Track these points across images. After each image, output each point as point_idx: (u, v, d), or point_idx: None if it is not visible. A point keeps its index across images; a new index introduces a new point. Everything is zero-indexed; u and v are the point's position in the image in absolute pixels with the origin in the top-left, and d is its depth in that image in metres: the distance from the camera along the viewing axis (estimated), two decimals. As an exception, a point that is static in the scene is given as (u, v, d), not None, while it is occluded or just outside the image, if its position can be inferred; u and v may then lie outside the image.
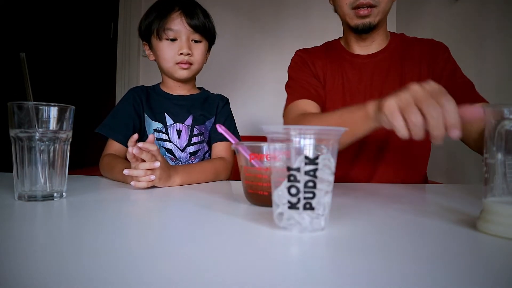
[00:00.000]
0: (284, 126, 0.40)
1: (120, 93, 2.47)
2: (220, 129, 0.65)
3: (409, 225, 0.46)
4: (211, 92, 1.10)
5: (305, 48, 1.07)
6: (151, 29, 0.94)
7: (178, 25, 0.92)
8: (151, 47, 0.99)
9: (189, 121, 1.00)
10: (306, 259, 0.34)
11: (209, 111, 1.03)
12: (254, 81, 2.39)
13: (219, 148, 0.99)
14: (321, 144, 0.40)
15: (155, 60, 1.00)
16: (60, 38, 1.91)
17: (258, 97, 2.38)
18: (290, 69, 1.05)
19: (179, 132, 0.98)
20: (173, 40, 0.93)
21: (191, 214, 0.53)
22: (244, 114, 2.35)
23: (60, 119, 0.56)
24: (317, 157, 0.39)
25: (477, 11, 1.50)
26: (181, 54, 0.93)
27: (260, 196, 0.55)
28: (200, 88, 1.09)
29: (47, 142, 0.55)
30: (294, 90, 0.99)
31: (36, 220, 0.46)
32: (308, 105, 0.94)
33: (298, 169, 0.39)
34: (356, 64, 0.98)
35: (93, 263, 0.30)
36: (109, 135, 0.94)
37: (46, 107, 0.55)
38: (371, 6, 0.86)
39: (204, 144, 1.01)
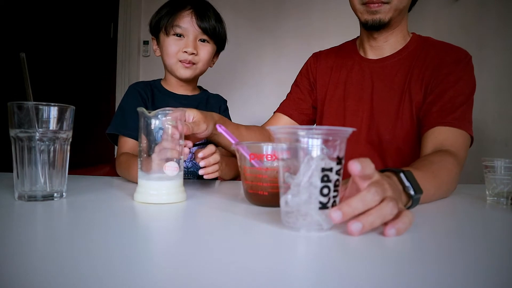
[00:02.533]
0: (291, 126, 0.41)
1: (120, 93, 2.47)
2: (220, 129, 0.65)
3: (413, 225, 0.46)
4: (210, 91, 1.09)
5: (319, 52, 1.09)
6: (160, 24, 0.93)
7: (187, 23, 0.91)
8: (158, 43, 0.98)
9: None
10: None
11: (212, 112, 1.02)
12: (254, 81, 2.39)
13: None
14: (325, 144, 0.40)
15: (160, 56, 0.98)
16: (60, 38, 1.91)
17: (258, 97, 2.38)
18: (298, 73, 1.10)
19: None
20: (180, 37, 0.92)
21: (192, 214, 0.53)
22: (244, 114, 2.35)
23: (60, 119, 0.56)
24: (343, 157, 0.40)
25: (477, 11, 1.50)
26: (185, 52, 0.91)
27: (260, 196, 0.55)
28: (199, 88, 1.08)
29: (47, 142, 0.55)
30: (285, 99, 1.08)
31: (36, 220, 0.46)
32: (279, 122, 1.05)
33: (330, 169, 0.39)
34: (362, 68, 0.96)
35: (92, 263, 0.30)
36: (123, 133, 0.92)
37: (46, 107, 0.55)
38: (382, 2, 0.83)
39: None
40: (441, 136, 0.77)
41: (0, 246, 0.34)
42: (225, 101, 1.09)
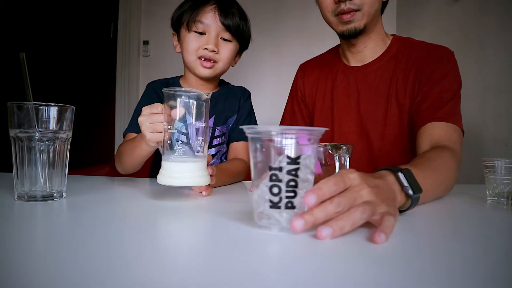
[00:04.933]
0: (264, 126, 0.40)
1: (120, 93, 2.47)
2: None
3: (412, 225, 0.46)
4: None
5: (305, 63, 1.08)
6: (182, 19, 0.90)
7: (210, 19, 0.87)
8: (179, 38, 0.94)
9: (210, 122, 0.95)
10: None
11: (231, 108, 0.99)
12: (254, 81, 2.39)
13: (237, 148, 0.95)
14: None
15: (180, 52, 0.95)
16: (60, 38, 1.91)
17: (258, 98, 2.38)
18: (291, 89, 1.09)
19: (198, 131, 0.93)
20: (202, 33, 0.89)
21: (189, 213, 0.53)
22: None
23: (60, 119, 0.56)
24: (298, 157, 0.39)
25: (477, 11, 1.50)
26: (206, 49, 0.88)
27: None
28: (220, 82, 1.04)
29: (47, 142, 0.55)
30: (282, 119, 1.08)
31: (36, 220, 0.46)
32: None
33: (280, 169, 0.39)
34: (347, 77, 0.95)
35: (92, 263, 0.30)
36: (132, 130, 0.89)
37: (46, 107, 0.55)
38: (353, 10, 0.82)
39: (224, 145, 0.97)
40: (435, 132, 0.77)
41: (0, 246, 0.34)
42: (247, 93, 1.05)
